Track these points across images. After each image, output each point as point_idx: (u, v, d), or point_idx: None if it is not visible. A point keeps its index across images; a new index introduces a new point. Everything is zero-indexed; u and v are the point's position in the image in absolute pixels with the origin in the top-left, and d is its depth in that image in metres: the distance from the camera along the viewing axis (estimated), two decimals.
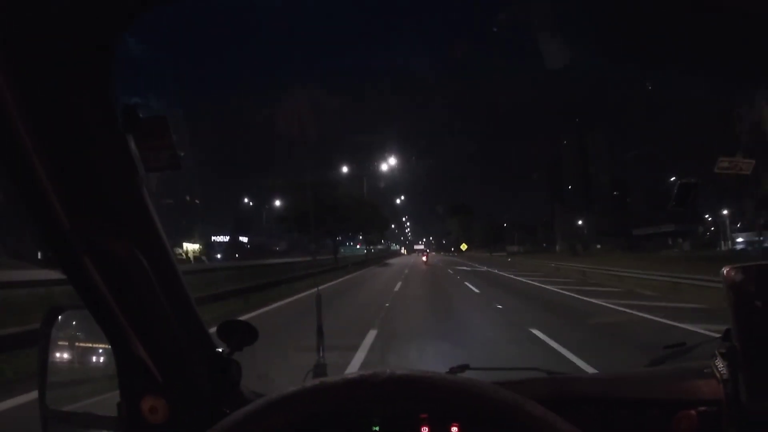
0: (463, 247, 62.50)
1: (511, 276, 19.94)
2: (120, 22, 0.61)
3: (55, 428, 0.98)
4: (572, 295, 12.18)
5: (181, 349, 0.80)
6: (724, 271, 0.82)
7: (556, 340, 6.14)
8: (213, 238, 52.63)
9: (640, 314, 8.47)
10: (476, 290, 13.89)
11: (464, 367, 1.09)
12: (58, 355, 1.02)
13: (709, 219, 42.11)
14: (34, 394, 1.00)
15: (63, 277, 0.71)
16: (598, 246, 44.38)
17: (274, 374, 3.60)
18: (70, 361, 1.05)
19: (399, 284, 16.18)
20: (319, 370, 1.22)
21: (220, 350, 0.87)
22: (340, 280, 18.68)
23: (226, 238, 55.14)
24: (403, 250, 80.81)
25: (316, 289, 13.58)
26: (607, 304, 10.17)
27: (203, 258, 41.95)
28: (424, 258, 39.67)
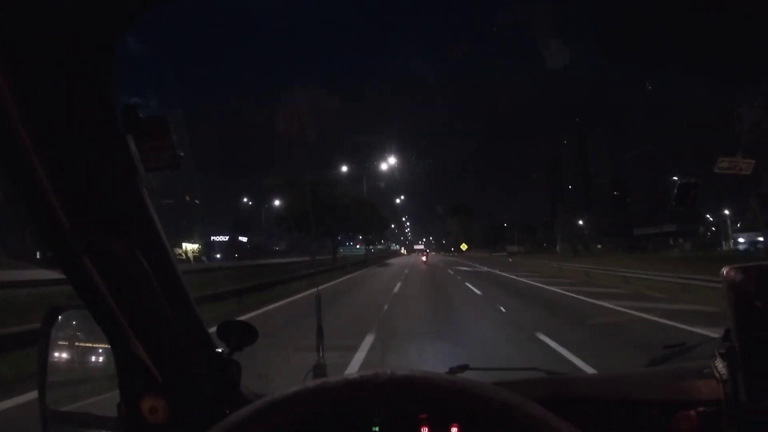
0: (463, 247, 62.53)
1: (513, 277, 19.59)
2: (120, 22, 0.61)
3: (55, 428, 0.98)
4: (577, 297, 11.77)
5: (181, 349, 0.80)
6: (724, 271, 0.82)
7: (564, 346, 5.76)
8: (212, 237, 52.68)
9: (646, 316, 8.06)
10: (478, 292, 13.50)
11: (464, 368, 1.09)
12: (58, 354, 1.02)
13: (710, 219, 42.05)
14: (33, 394, 1.00)
15: (62, 277, 0.71)
16: (599, 246, 44.31)
17: (273, 374, 3.60)
18: (70, 361, 1.05)
19: (398, 285, 15.83)
20: (319, 370, 1.22)
21: (220, 350, 0.87)
22: (338, 281, 18.44)
23: (226, 238, 55.19)
24: (403, 250, 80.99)
25: (311, 290, 13.25)
26: (617, 307, 9.68)
27: (203, 258, 41.95)
28: (424, 258, 39.72)
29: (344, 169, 32.83)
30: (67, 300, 1.02)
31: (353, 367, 4.97)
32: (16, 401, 3.91)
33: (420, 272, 24.50)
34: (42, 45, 0.57)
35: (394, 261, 43.67)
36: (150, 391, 0.80)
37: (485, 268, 26.86)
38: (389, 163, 36.93)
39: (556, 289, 13.72)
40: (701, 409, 0.84)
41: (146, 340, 0.76)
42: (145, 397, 0.80)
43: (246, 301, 10.86)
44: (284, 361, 4.51)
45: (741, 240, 36.20)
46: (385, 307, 10.10)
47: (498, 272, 22.93)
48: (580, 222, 49.27)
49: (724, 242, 38.22)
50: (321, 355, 1.26)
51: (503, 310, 9.60)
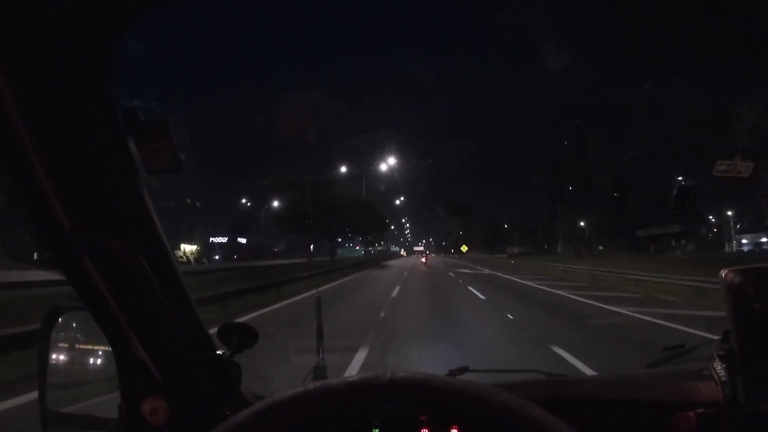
0: (464, 248, 62.59)
1: (517, 280, 18.96)
2: (120, 22, 0.61)
3: (55, 429, 0.98)
4: (589, 302, 11.04)
5: (182, 350, 0.80)
6: (723, 273, 0.82)
7: (586, 362, 4.99)
8: (211, 239, 52.63)
9: (671, 325, 7.25)
10: (482, 296, 12.71)
11: (464, 370, 1.09)
12: (58, 356, 1.02)
13: (712, 220, 41.91)
14: (34, 395, 1.00)
15: (60, 277, 0.71)
16: (600, 247, 44.19)
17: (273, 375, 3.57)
18: (70, 362, 1.05)
19: (397, 289, 14.97)
20: (319, 372, 1.22)
21: (221, 352, 0.87)
22: (334, 284, 17.68)
23: (225, 239, 55.12)
24: (402, 252, 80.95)
25: (301, 296, 12.76)
26: (634, 314, 8.91)
27: (204, 260, 41.93)
28: (424, 259, 39.77)
29: (343, 169, 32.76)
30: (66, 301, 1.02)
31: (353, 369, 4.96)
32: (16, 402, 3.91)
33: (420, 274, 24.17)
34: (42, 45, 0.57)
35: (393, 263, 42.99)
36: (150, 393, 0.80)
37: (487, 271, 26.36)
38: (389, 163, 36.97)
39: (564, 293, 13.05)
40: (700, 410, 0.84)
41: (147, 341, 0.77)
42: (145, 398, 0.80)
43: (230, 308, 9.86)
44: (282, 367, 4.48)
45: (744, 241, 35.95)
46: (381, 315, 9.27)
47: (501, 275, 22.27)
48: (582, 223, 49.20)
49: (727, 243, 38.02)
50: (321, 356, 1.26)
51: (510, 317, 8.92)
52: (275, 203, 31.97)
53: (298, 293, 13.46)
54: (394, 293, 13.76)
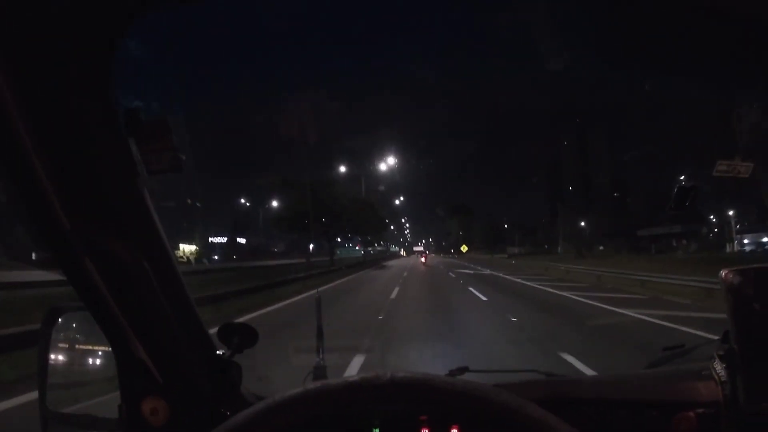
0: (464, 248, 62.59)
1: (519, 280, 18.50)
2: (120, 22, 0.61)
3: (55, 430, 0.98)
4: (595, 303, 10.63)
5: (182, 350, 0.80)
6: (723, 273, 0.82)
7: (599, 371, 4.13)
8: (210, 239, 52.64)
9: (685, 329, 6.77)
10: (483, 298, 12.33)
11: (464, 370, 1.09)
12: (58, 356, 1.02)
13: (713, 220, 41.80)
14: (33, 395, 1.00)
15: (58, 278, 0.71)
16: (601, 247, 44.09)
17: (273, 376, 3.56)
18: (70, 363, 1.05)
19: (396, 290, 14.54)
20: (319, 372, 1.22)
21: (221, 353, 0.87)
22: (331, 285, 17.24)
23: (224, 240, 55.11)
24: (402, 252, 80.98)
25: (296, 298, 12.45)
26: (644, 317, 8.48)
27: (204, 260, 41.93)
28: (423, 259, 39.78)
29: (343, 169, 32.71)
30: (65, 301, 1.02)
31: (353, 369, 4.95)
32: (16, 402, 3.92)
33: (419, 275, 23.98)
34: (42, 45, 0.57)
35: (392, 263, 42.71)
36: (151, 393, 0.80)
37: (488, 271, 26.11)
38: (389, 163, 36.97)
39: (568, 295, 12.58)
40: (700, 410, 0.84)
41: (147, 341, 0.77)
42: (145, 398, 0.80)
43: (224, 310, 9.39)
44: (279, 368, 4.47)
45: (746, 241, 35.78)
46: (380, 318, 8.91)
47: (502, 275, 21.86)
48: (582, 223, 49.14)
49: (728, 243, 37.86)
50: (321, 356, 1.26)
51: (513, 320, 8.48)
52: (274, 203, 31.93)
53: (292, 296, 13.00)
54: (393, 294, 13.39)
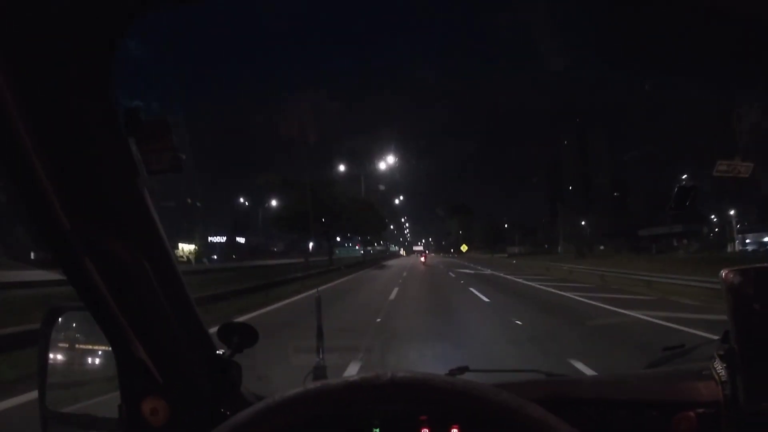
0: (464, 248, 62.57)
1: (521, 281, 18.04)
2: (121, 22, 0.61)
3: (55, 429, 0.98)
4: (602, 305, 10.22)
5: (182, 350, 0.80)
6: (723, 273, 0.82)
7: None
8: (209, 238, 52.63)
9: (702, 333, 6.22)
10: (485, 299, 11.85)
11: (464, 369, 1.09)
12: (58, 356, 1.02)
13: (714, 220, 41.68)
14: (33, 395, 1.00)
15: (59, 277, 0.71)
16: (601, 247, 44.04)
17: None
18: (70, 362, 1.05)
19: (395, 291, 14.00)
20: (319, 372, 1.22)
21: (221, 352, 0.87)
22: (328, 285, 16.75)
23: (223, 239, 55.09)
24: (402, 252, 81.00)
25: (290, 299, 12.13)
26: (655, 319, 8.08)
27: (204, 260, 41.92)
28: (423, 258, 39.81)
29: (342, 168, 32.62)
30: (64, 301, 1.02)
31: (353, 369, 4.93)
32: (15, 402, 3.92)
33: (419, 274, 23.78)
34: (42, 45, 0.57)
35: (392, 263, 42.36)
36: (151, 393, 0.80)
37: (488, 271, 25.83)
38: (389, 163, 36.96)
39: (572, 296, 12.14)
40: (700, 410, 0.84)
41: (147, 341, 0.77)
42: (145, 398, 0.80)
43: (214, 312, 8.80)
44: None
45: (748, 240, 35.63)
46: (377, 321, 8.47)
47: (503, 275, 21.54)
48: (582, 223, 49.12)
49: (729, 243, 37.69)
50: (321, 356, 1.26)
51: (518, 323, 8.03)
52: (274, 203, 31.86)
53: (286, 297, 12.58)
54: (392, 295, 12.90)
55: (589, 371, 4.71)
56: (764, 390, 0.80)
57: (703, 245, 37.53)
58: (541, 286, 15.36)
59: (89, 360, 1.03)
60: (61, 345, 1.03)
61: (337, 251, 38.84)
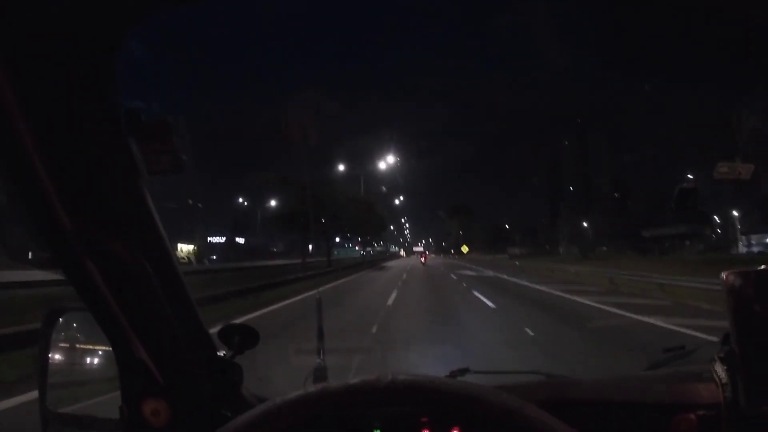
0: (464, 249, 62.47)
1: (526, 283, 17.04)
2: (122, 23, 0.61)
3: (55, 430, 0.98)
4: (620, 312, 9.30)
5: (182, 350, 0.80)
6: (723, 275, 0.82)
7: None
8: (209, 239, 52.63)
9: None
10: (490, 304, 10.90)
11: (464, 371, 1.09)
12: (59, 356, 1.02)
13: (718, 221, 41.48)
14: (33, 395, 1.00)
15: (57, 277, 0.71)
16: (604, 248, 43.84)
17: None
18: (70, 363, 1.06)
19: (394, 295, 13.18)
20: (320, 373, 1.21)
21: (222, 353, 0.87)
22: (326, 287, 16.07)
23: (223, 239, 55.07)
24: (402, 252, 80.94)
25: (282, 303, 11.72)
26: (678, 327, 7.35)
27: (205, 261, 41.90)
28: (423, 259, 39.77)
29: (342, 168, 32.47)
30: (63, 301, 1.02)
31: (353, 370, 4.92)
32: (15, 402, 3.92)
33: (419, 276, 23.29)
34: (43, 45, 0.57)
35: (391, 264, 41.73)
36: (151, 394, 0.80)
37: (491, 273, 25.11)
38: (388, 163, 36.94)
39: (585, 301, 11.24)
40: (701, 412, 0.84)
41: (147, 342, 0.76)
42: (146, 399, 0.80)
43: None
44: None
45: (753, 242, 35.30)
46: (373, 331, 7.59)
47: (507, 278, 20.73)
48: (585, 224, 49.02)
49: (734, 244, 37.31)
50: (321, 357, 1.26)
51: (531, 333, 7.09)
52: (272, 202, 31.73)
53: (278, 301, 11.97)
54: (391, 300, 12.09)
55: None
56: (765, 392, 0.79)
57: (707, 246, 37.26)
58: (549, 290, 14.34)
59: (90, 360, 1.04)
60: (61, 345, 1.03)
61: (336, 252, 38.76)
